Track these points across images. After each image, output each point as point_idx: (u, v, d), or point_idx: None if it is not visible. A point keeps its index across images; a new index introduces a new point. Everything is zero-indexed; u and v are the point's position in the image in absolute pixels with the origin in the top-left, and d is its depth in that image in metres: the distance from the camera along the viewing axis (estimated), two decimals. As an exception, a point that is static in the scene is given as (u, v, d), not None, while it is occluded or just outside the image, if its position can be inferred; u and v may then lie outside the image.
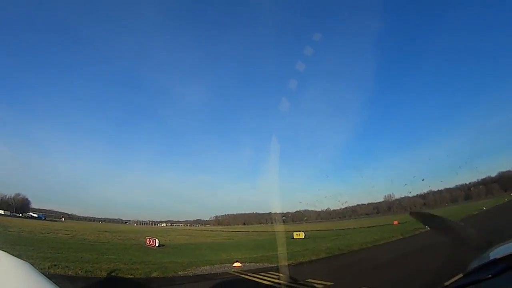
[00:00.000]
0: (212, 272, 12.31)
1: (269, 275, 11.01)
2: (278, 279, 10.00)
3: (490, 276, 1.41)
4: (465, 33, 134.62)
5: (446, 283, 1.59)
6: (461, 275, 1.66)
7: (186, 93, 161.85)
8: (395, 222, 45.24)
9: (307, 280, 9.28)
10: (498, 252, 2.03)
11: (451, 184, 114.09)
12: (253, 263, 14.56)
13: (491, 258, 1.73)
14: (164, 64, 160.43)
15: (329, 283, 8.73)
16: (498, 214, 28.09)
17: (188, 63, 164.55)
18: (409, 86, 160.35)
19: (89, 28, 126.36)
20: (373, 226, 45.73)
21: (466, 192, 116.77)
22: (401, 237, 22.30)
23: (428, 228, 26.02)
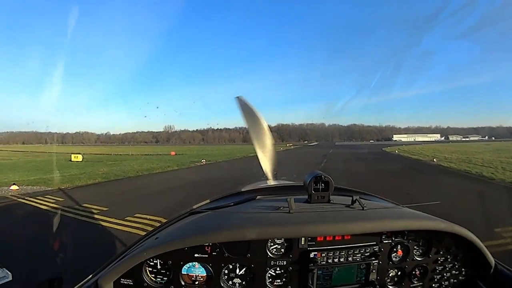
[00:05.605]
0: (-12, 196, 10.25)
1: (46, 199, 10.86)
2: (55, 203, 10.18)
3: (232, 204, 1.62)
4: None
5: (194, 206, 1.71)
6: (208, 200, 1.83)
7: None
8: (172, 153, 48.59)
9: (83, 205, 9.52)
10: (248, 187, 2.23)
11: (230, 126, 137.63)
12: (31, 186, 13.45)
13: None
14: None
15: (104, 209, 9.04)
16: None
17: None
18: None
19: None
20: (151, 155, 46.58)
21: (244, 135, 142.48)
22: (176, 168, 23.55)
23: (204, 163, 28.91)
